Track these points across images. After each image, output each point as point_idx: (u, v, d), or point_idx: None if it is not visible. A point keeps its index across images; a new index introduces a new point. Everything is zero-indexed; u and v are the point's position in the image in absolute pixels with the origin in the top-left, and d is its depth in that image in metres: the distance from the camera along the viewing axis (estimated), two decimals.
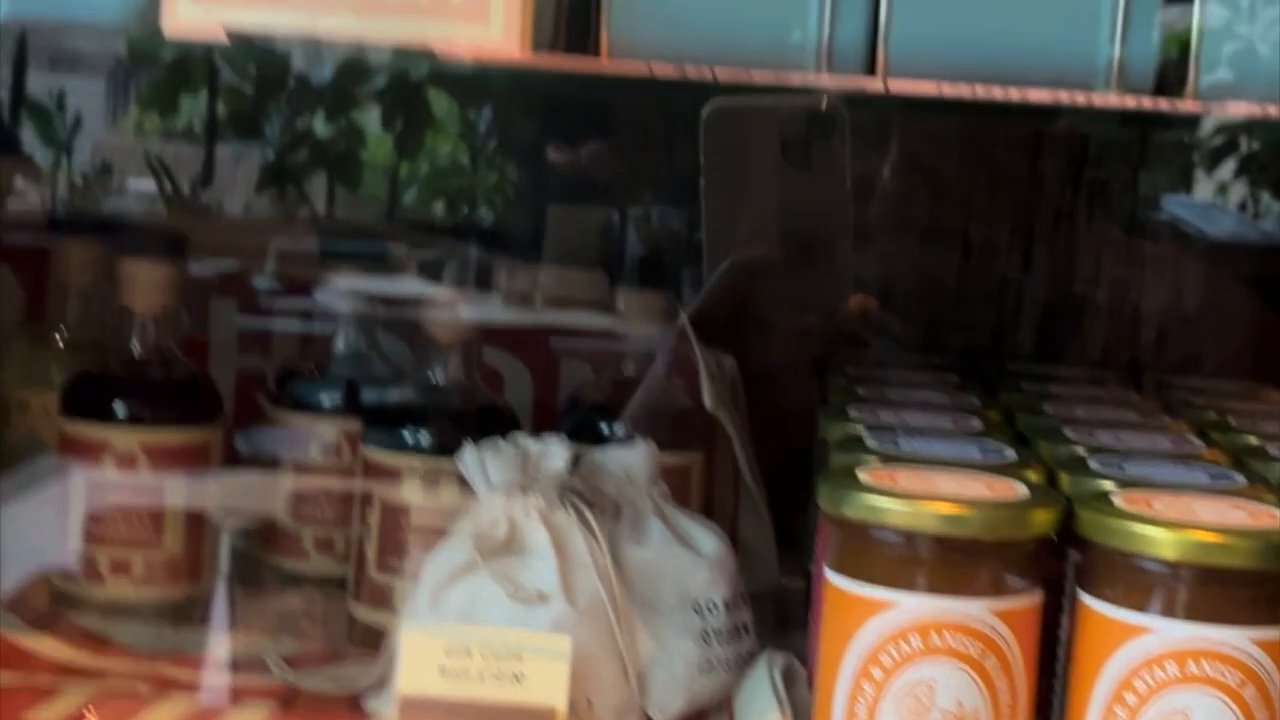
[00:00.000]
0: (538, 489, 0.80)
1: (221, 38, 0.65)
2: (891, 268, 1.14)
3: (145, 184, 1.35)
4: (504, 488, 0.80)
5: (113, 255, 0.94)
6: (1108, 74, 0.61)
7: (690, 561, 0.81)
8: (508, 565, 0.79)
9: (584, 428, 0.93)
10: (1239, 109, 0.60)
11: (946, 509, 0.64)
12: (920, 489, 0.65)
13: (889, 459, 0.71)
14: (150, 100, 1.30)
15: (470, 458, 0.81)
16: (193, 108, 1.32)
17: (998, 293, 1.16)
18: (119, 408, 0.88)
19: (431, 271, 1.00)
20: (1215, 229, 1.26)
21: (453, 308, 0.90)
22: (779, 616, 0.92)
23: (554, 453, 0.81)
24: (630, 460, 0.84)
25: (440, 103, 1.29)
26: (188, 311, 0.97)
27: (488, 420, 0.88)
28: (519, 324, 1.04)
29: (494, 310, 1.01)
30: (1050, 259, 1.17)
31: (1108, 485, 0.68)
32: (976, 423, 0.80)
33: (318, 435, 0.96)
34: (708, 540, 0.83)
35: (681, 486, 0.91)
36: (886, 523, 0.64)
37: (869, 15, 0.64)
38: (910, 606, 0.64)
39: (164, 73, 1.28)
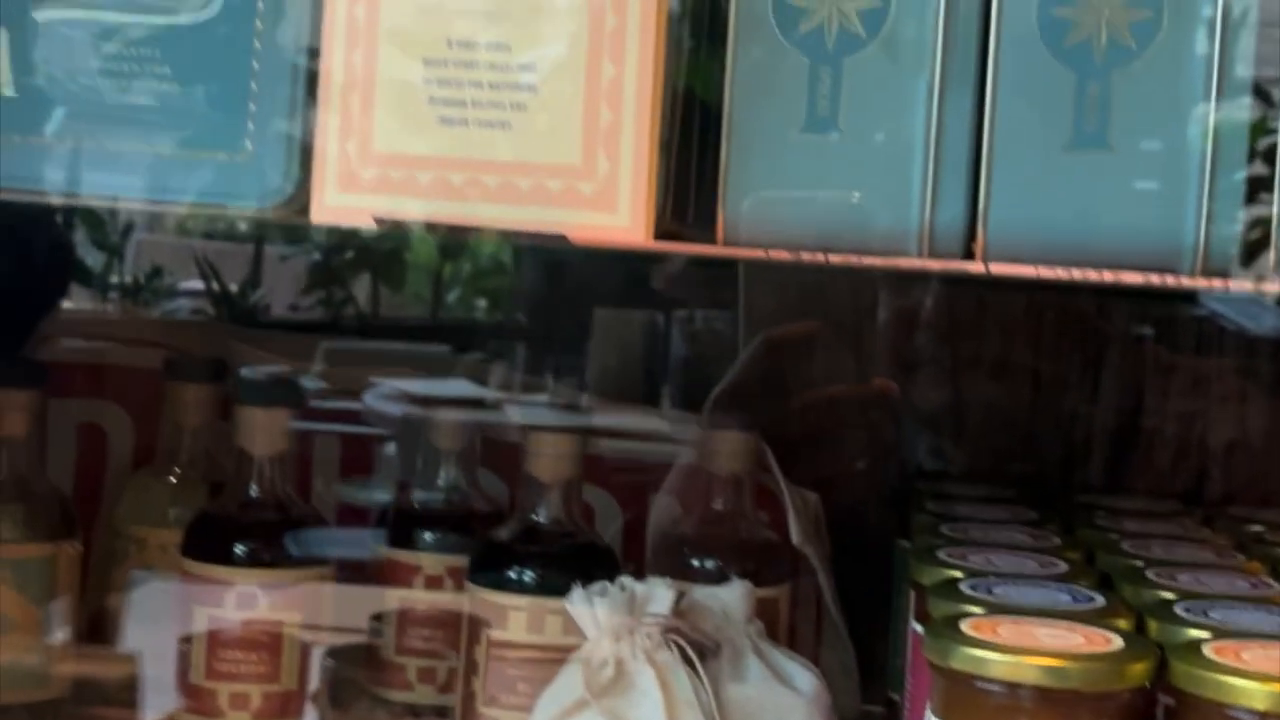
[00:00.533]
0: (644, 630, 0.84)
1: (369, 224, 0.70)
2: (961, 399, 1.19)
3: (194, 284, 1.40)
4: (612, 629, 0.84)
5: (229, 398, 1.00)
6: (1194, 259, 0.66)
7: (789, 700, 0.85)
8: (616, 704, 0.83)
9: (674, 563, 0.97)
10: None
11: (1048, 661, 0.68)
12: (1021, 642, 0.69)
13: (987, 608, 0.75)
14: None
15: (579, 600, 0.85)
16: None
17: (1068, 420, 1.19)
18: (240, 550, 0.93)
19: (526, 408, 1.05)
20: (1256, 325, 1.29)
21: (556, 448, 0.94)
22: None
23: (659, 596, 0.85)
24: (727, 598, 0.88)
25: None
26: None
27: (589, 559, 0.92)
28: (609, 458, 1.08)
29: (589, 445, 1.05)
30: (1112, 386, 1.21)
31: (1196, 633, 0.72)
32: (1061, 565, 0.85)
33: (419, 568, 1.01)
34: (804, 677, 0.87)
35: (770, 620, 0.95)
36: (991, 674, 0.68)
37: (968, 202, 0.69)
38: None
39: None
